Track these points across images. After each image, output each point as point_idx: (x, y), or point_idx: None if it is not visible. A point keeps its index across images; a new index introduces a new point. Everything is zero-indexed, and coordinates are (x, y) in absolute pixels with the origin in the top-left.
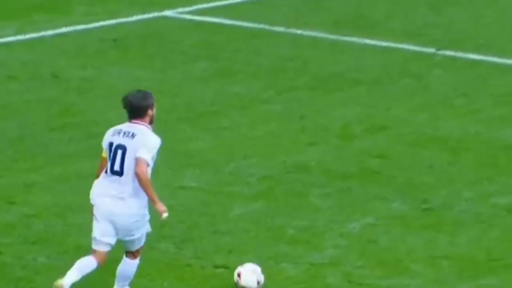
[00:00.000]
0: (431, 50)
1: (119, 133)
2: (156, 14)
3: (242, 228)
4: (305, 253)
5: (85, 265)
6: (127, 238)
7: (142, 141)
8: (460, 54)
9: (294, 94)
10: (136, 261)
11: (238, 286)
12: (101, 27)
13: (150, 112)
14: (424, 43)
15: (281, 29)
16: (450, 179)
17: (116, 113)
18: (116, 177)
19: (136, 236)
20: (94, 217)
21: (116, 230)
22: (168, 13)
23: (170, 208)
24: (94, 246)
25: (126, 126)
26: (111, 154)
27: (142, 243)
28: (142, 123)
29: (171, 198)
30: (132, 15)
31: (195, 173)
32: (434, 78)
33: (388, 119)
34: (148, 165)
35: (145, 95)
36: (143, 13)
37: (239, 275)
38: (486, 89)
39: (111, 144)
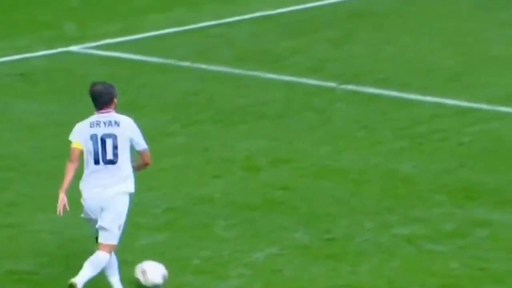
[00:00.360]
0: (332, 84)
1: (98, 124)
2: (62, 49)
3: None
4: (209, 283)
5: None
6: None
7: (130, 129)
8: (361, 88)
9: (199, 128)
10: (104, 254)
11: (144, 283)
12: (8, 62)
13: (115, 100)
14: (326, 78)
15: (186, 64)
16: (352, 210)
17: (23, 146)
18: (111, 166)
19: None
20: (87, 216)
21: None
22: (75, 48)
23: (75, 240)
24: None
25: (102, 117)
26: (98, 145)
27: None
28: (113, 111)
29: (78, 229)
30: (38, 50)
31: None
32: (336, 112)
33: (291, 152)
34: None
35: (110, 84)
36: (50, 48)
37: (143, 272)
38: (386, 123)
39: (93, 136)
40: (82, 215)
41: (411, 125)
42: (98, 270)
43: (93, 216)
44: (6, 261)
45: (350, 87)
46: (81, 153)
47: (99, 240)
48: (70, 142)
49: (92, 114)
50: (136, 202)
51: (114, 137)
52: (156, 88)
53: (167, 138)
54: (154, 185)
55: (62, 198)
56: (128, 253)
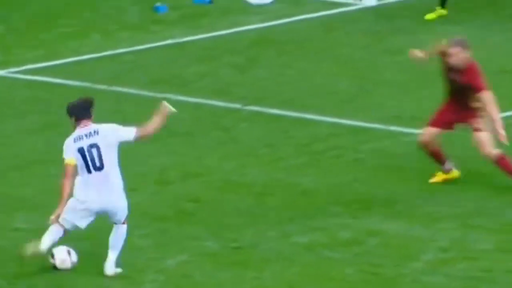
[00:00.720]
0: (237, 105)
1: (80, 138)
2: None
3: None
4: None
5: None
6: (116, 218)
7: (110, 133)
8: (264, 109)
9: None
10: (125, 225)
11: (63, 265)
12: None
13: (92, 111)
14: (231, 100)
15: (103, 87)
16: (256, 221)
17: None
18: (99, 172)
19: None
20: (77, 209)
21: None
22: (0, 72)
23: (3, 249)
24: (61, 221)
25: (83, 130)
26: (86, 156)
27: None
28: (91, 123)
29: (3, 239)
30: None
31: (26, 216)
32: (241, 131)
33: (200, 167)
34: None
35: (87, 98)
36: None
37: (52, 256)
38: (288, 140)
39: (81, 149)
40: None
41: (310, 142)
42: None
43: (77, 223)
44: None
45: (254, 108)
46: (75, 168)
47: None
48: (63, 160)
49: (15, 132)
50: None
51: (97, 146)
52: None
53: None
54: None
55: (59, 213)
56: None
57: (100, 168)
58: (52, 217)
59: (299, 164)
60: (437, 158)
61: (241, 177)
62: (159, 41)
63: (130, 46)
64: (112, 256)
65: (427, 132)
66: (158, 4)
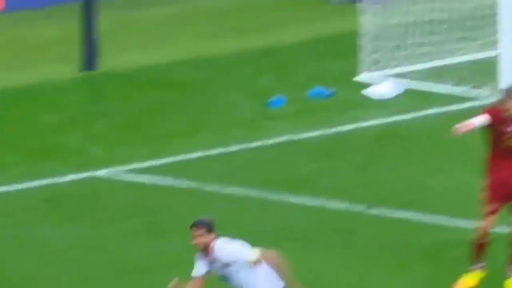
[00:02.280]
0: (359, 207)
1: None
2: (89, 174)
3: None
4: None
5: None
6: None
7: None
8: (388, 212)
9: None
10: None
11: None
12: (35, 187)
13: None
14: (352, 201)
15: (211, 188)
16: None
17: (50, 269)
18: None
19: None
20: None
21: None
22: (101, 172)
23: None
24: None
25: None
26: None
27: None
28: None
29: None
30: (66, 174)
31: None
32: (362, 235)
33: (317, 275)
34: None
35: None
36: (76, 172)
37: None
38: (414, 246)
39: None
40: None
41: (439, 249)
42: None
43: None
44: None
45: (377, 210)
46: None
47: None
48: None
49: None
50: None
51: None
52: (183, 212)
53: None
54: None
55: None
56: None
57: None
58: None
59: (426, 275)
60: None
61: (362, 286)
62: (273, 138)
63: (242, 143)
64: None
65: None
66: (273, 98)
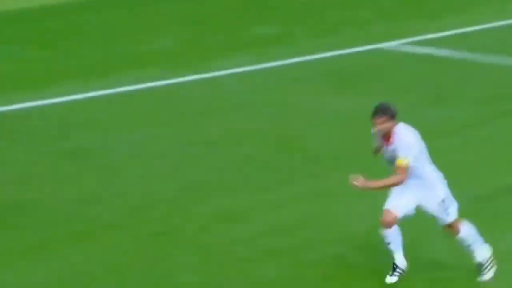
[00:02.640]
0: None
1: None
2: (373, 46)
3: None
4: None
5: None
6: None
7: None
8: None
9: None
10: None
11: None
12: (321, 59)
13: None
14: None
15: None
16: None
17: (341, 138)
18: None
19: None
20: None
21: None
22: (385, 45)
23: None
24: None
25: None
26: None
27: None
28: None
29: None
30: (350, 48)
31: None
32: None
33: None
34: None
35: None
36: (360, 46)
37: None
38: None
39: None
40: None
41: None
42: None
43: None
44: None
45: None
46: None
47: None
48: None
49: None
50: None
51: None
52: (463, 82)
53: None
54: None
55: (364, 182)
56: None
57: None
58: None
59: None
60: None
61: None
62: None
63: None
64: None
65: None
66: None
